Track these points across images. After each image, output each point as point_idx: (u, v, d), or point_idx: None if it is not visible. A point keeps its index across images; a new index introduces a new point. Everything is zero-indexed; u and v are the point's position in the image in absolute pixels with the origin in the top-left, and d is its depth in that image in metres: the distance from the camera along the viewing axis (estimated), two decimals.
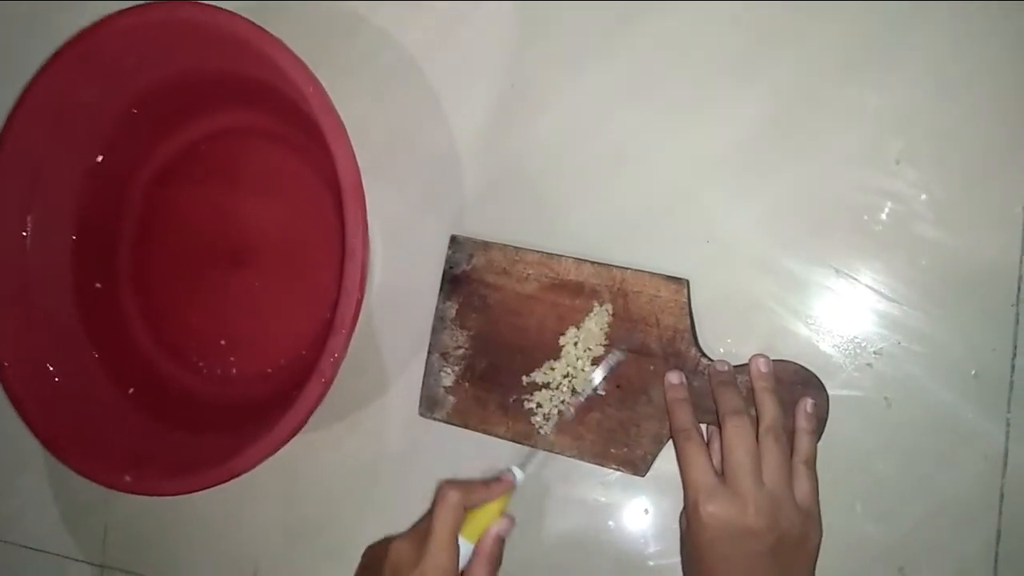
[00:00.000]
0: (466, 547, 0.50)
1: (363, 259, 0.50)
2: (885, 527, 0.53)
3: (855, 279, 0.54)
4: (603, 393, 0.56)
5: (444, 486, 0.51)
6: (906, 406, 0.53)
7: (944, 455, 0.53)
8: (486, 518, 0.51)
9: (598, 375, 0.56)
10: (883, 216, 0.54)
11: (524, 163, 0.60)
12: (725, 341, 0.56)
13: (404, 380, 0.62)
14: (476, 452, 0.60)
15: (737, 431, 0.49)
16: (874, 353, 0.54)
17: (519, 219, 0.60)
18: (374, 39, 0.63)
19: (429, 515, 0.50)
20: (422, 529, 0.50)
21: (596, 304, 0.56)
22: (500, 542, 0.51)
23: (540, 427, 0.57)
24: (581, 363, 0.56)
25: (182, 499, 0.54)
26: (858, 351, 0.54)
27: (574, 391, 0.56)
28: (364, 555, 0.55)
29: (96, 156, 0.64)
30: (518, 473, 0.54)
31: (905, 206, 0.54)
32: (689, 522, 0.49)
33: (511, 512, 0.52)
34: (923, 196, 0.53)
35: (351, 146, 0.50)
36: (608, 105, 0.59)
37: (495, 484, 0.53)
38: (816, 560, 0.49)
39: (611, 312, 0.56)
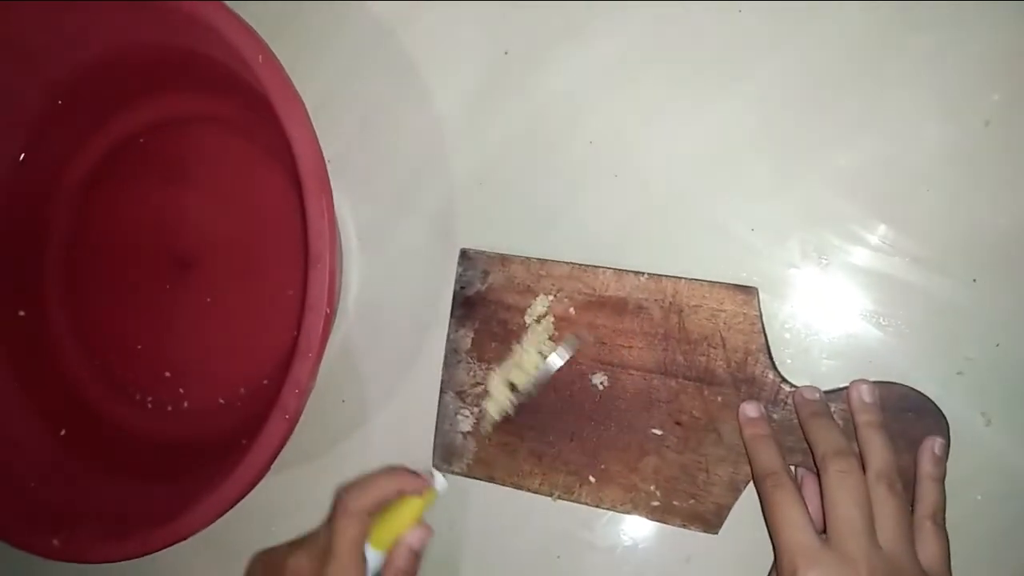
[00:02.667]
0: (375, 557, 0.44)
1: (331, 266, 0.42)
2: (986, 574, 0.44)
3: (937, 269, 0.45)
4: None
5: (342, 491, 0.45)
6: (1009, 423, 0.44)
7: None
8: (398, 523, 0.45)
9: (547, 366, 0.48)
10: (970, 192, 0.45)
11: (525, 146, 0.52)
12: (807, 361, 0.47)
13: (390, 408, 0.54)
14: (487, 491, 0.50)
15: (843, 478, 0.40)
16: (966, 359, 0.45)
17: (523, 213, 0.52)
18: (341, 4, 0.55)
19: (328, 525, 0.45)
20: (321, 542, 0.45)
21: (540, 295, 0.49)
22: (415, 556, 0.45)
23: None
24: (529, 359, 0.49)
25: None
26: (945, 356, 0.45)
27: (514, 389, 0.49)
28: (251, 565, 0.50)
29: (17, 156, 0.57)
30: (439, 478, 0.46)
31: (1002, 178, 0.45)
32: None
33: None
34: (1020, 165, 0.44)
35: (310, 124, 0.44)
36: (627, 70, 0.50)
37: (404, 477, 0.46)
38: None
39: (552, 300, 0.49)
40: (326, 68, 0.55)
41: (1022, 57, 0.45)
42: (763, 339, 0.45)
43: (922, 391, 0.44)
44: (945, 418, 0.43)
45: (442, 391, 0.51)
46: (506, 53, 0.52)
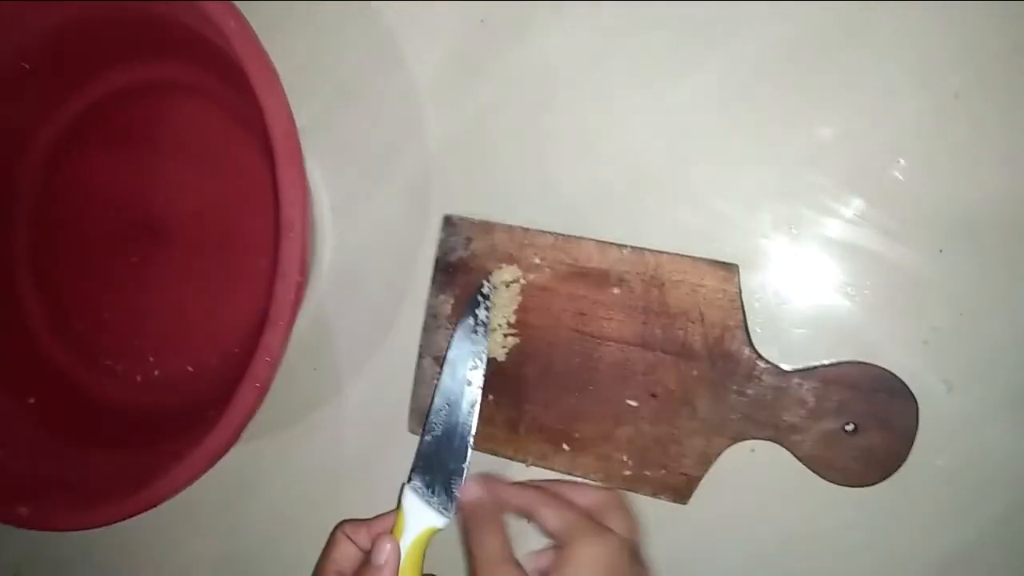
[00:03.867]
0: None
1: (303, 234, 0.41)
2: (947, 538, 0.45)
3: (905, 240, 0.46)
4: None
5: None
6: (972, 390, 0.45)
7: (1021, 447, 0.44)
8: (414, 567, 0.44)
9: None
10: (939, 164, 0.45)
11: (501, 116, 0.51)
12: (776, 330, 0.47)
13: (363, 377, 0.53)
14: None
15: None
16: (931, 328, 0.45)
17: (498, 182, 0.51)
18: None
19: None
20: None
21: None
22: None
23: None
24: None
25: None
26: (911, 326, 0.46)
27: None
28: None
29: None
30: (410, 495, 0.45)
31: (969, 151, 0.45)
32: None
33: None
34: (987, 138, 0.44)
35: (283, 91, 0.42)
36: (602, 40, 0.49)
37: (353, 527, 0.48)
38: None
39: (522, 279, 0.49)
40: (301, 36, 0.53)
41: (992, 31, 0.44)
42: (741, 316, 0.46)
43: (889, 360, 0.45)
44: (916, 400, 0.44)
45: (420, 356, 0.51)
46: (482, 21, 0.51)
